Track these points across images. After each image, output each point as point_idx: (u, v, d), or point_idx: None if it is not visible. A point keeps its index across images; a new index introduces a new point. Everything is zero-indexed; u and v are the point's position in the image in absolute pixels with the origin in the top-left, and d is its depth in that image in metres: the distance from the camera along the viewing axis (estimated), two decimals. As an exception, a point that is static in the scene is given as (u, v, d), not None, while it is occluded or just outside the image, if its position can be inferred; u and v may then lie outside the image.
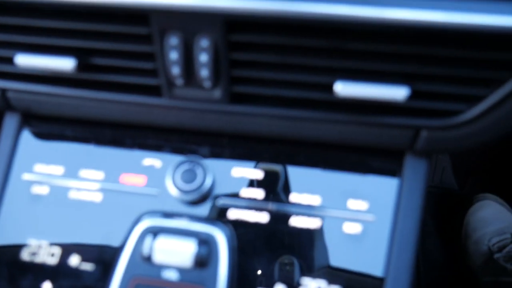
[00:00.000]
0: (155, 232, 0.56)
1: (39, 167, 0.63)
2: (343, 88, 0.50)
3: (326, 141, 0.59)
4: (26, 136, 0.65)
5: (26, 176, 0.63)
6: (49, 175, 0.63)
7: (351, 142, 0.58)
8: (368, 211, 0.57)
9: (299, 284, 0.55)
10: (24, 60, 0.55)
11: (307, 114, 0.56)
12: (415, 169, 0.59)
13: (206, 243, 0.55)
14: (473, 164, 1.60)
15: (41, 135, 0.65)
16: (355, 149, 0.60)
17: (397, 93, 0.50)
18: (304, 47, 0.50)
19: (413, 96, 0.51)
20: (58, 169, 0.63)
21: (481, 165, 1.60)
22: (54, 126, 0.66)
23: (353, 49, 0.49)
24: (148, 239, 0.55)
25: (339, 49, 0.49)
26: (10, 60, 0.57)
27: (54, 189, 0.62)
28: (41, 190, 0.62)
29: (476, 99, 0.52)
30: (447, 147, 0.56)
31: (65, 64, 0.54)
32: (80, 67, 0.55)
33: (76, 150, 0.64)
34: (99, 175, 0.62)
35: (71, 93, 0.59)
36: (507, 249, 1.30)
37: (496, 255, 1.30)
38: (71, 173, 0.62)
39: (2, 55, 0.57)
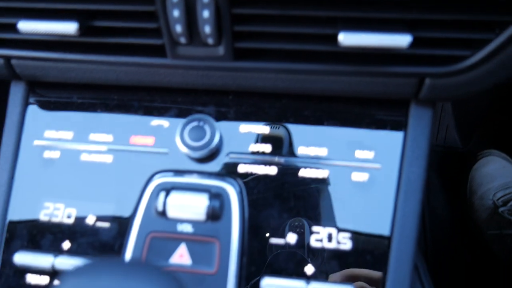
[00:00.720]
0: (167, 188, 0.58)
1: (49, 133, 0.64)
2: (346, 38, 0.50)
3: (332, 93, 0.60)
4: (34, 104, 0.66)
5: (37, 142, 0.64)
6: (60, 139, 0.64)
7: (357, 93, 0.59)
8: (374, 160, 0.58)
9: (311, 232, 0.57)
10: (27, 26, 0.55)
11: (312, 66, 0.56)
12: (420, 118, 0.59)
13: (217, 196, 0.57)
14: (476, 121, 1.60)
15: (48, 103, 0.66)
16: (360, 101, 0.61)
17: (400, 40, 0.50)
18: (306, -2, 0.50)
19: (416, 43, 0.51)
20: (68, 134, 0.64)
21: (484, 121, 1.60)
22: (60, 92, 0.66)
23: (355, -3, 0.49)
24: (161, 196, 0.57)
25: (342, -2, 0.49)
26: (12, 27, 0.57)
27: (66, 152, 0.63)
28: (53, 154, 0.63)
29: (480, 44, 0.52)
30: (451, 94, 0.57)
31: (67, 27, 0.54)
32: (83, 30, 0.55)
33: (84, 116, 0.64)
34: (109, 138, 0.63)
35: (75, 58, 0.60)
36: (511, 202, 1.32)
37: (501, 209, 1.32)
38: (81, 138, 0.63)
39: (5, 22, 0.57)
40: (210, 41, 0.54)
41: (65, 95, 0.66)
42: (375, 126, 0.60)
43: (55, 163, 0.63)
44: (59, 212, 0.61)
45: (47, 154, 0.63)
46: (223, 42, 0.55)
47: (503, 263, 1.29)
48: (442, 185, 1.50)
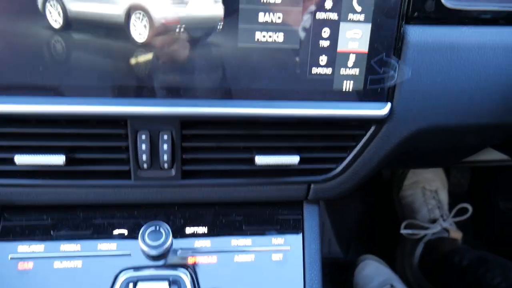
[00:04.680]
0: (134, 280, 0.73)
1: (22, 248, 0.76)
2: (259, 159, 0.77)
3: (250, 200, 0.85)
4: (6, 225, 0.78)
5: (12, 256, 0.75)
6: (32, 252, 0.76)
7: (267, 198, 0.85)
8: (285, 244, 0.82)
9: None
10: (22, 159, 0.72)
11: (237, 181, 0.81)
12: (310, 212, 0.87)
13: (175, 283, 0.74)
14: (351, 233, 1.96)
15: (20, 222, 0.79)
16: (271, 204, 0.87)
17: (293, 159, 0.78)
18: (232, 135, 0.77)
19: (303, 161, 0.80)
20: (40, 247, 0.76)
21: (357, 233, 1.97)
22: (30, 213, 0.80)
23: (264, 134, 0.78)
24: (130, 286, 0.71)
25: (256, 135, 0.77)
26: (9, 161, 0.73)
27: (39, 262, 0.75)
28: (27, 265, 0.74)
29: (340, 160, 0.83)
30: (327, 194, 0.86)
31: (56, 160, 0.72)
32: (67, 161, 0.74)
33: (54, 230, 0.78)
34: (77, 247, 0.77)
35: (54, 183, 0.76)
36: (389, 299, 1.61)
37: (381, 306, 1.59)
38: (52, 249, 0.76)
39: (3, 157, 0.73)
40: (165, 165, 0.77)
41: (35, 214, 0.80)
42: (282, 219, 0.85)
43: (29, 273, 0.74)
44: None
45: (22, 265, 0.74)
46: (175, 166, 0.78)
47: None
48: (332, 293, 1.75)
